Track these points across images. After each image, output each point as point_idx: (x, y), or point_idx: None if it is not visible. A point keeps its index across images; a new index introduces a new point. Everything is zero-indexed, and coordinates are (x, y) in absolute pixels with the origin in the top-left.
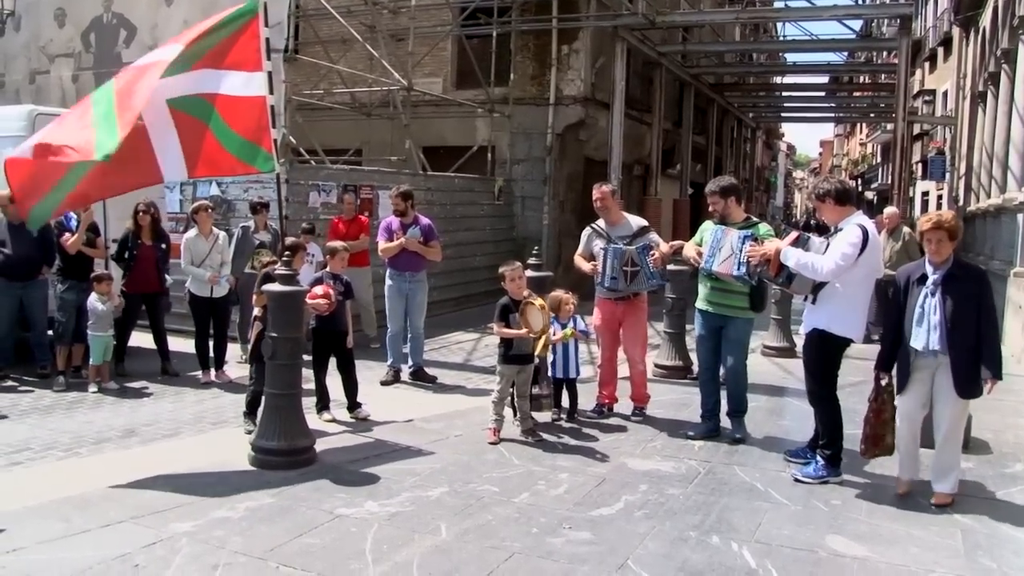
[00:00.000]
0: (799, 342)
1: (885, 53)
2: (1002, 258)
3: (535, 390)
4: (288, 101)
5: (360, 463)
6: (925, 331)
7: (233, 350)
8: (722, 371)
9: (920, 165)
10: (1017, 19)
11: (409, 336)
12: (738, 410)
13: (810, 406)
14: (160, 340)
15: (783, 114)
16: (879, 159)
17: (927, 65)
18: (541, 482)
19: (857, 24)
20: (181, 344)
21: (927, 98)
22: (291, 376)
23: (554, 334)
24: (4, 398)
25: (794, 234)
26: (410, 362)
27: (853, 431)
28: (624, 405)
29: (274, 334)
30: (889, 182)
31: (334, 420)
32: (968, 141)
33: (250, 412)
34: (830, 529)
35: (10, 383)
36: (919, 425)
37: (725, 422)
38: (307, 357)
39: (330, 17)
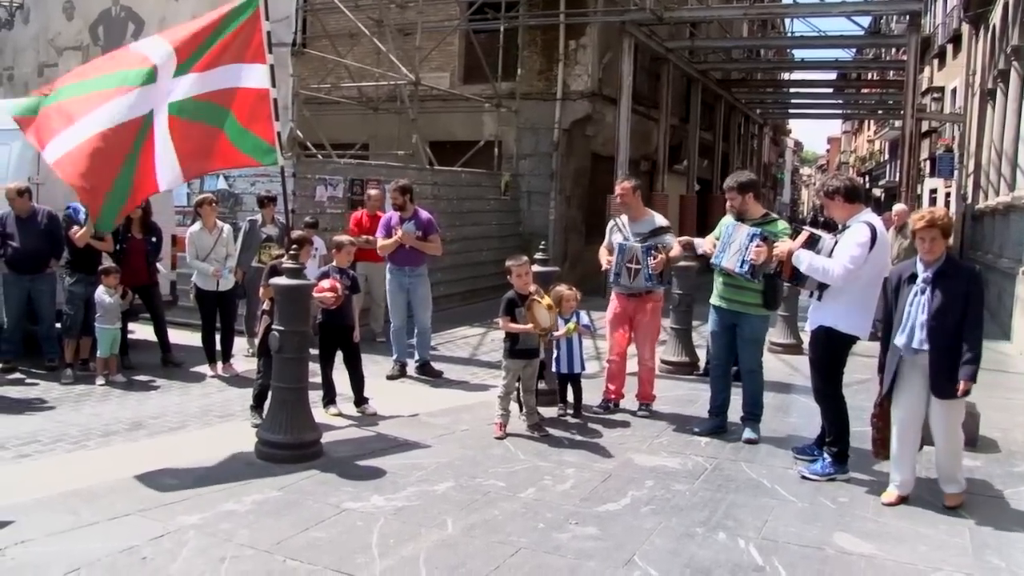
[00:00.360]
0: (805, 339)
1: (894, 50)
2: (1011, 256)
3: (541, 385)
4: (296, 95)
5: (366, 457)
6: (911, 330)
7: (240, 343)
8: (734, 369)
9: (928, 162)
10: None
11: (416, 331)
12: (753, 413)
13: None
14: (160, 331)
15: (790, 110)
16: (887, 156)
17: (936, 62)
18: (547, 477)
19: (866, 20)
20: (188, 338)
21: (936, 95)
22: (298, 370)
23: (556, 330)
24: (12, 391)
25: (805, 234)
26: (416, 356)
27: (860, 428)
28: (630, 401)
29: (280, 328)
30: (897, 179)
31: (340, 414)
32: (977, 138)
33: (257, 405)
34: (837, 526)
35: (18, 375)
36: (911, 428)
37: (732, 419)
38: (314, 351)
39: (338, 11)
